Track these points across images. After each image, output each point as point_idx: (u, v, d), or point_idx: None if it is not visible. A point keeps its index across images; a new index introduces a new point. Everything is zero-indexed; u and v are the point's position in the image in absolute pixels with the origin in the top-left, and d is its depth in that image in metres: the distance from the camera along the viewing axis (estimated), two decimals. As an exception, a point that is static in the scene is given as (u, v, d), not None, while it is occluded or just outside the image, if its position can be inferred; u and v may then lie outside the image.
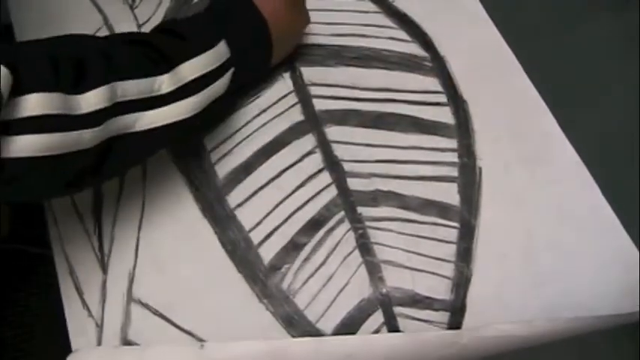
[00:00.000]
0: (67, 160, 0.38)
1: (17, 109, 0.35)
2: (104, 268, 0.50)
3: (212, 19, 0.51)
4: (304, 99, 0.59)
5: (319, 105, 0.59)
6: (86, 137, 0.38)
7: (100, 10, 0.64)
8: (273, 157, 0.55)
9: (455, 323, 0.49)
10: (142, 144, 0.44)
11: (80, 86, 0.38)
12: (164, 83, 0.44)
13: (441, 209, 0.54)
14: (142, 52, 0.44)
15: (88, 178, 0.42)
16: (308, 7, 0.58)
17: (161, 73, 0.44)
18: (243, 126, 0.57)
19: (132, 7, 0.64)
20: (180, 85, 0.44)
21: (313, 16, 0.59)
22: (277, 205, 0.53)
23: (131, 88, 0.41)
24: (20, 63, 0.36)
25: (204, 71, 0.46)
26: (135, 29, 0.63)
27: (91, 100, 0.39)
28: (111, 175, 0.47)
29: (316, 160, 0.56)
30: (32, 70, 0.37)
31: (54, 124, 0.37)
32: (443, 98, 0.60)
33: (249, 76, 0.55)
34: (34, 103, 0.36)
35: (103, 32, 0.62)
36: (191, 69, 0.45)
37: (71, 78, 0.38)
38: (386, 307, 0.49)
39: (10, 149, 0.35)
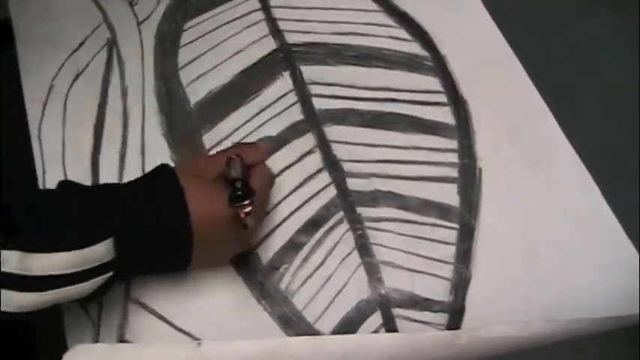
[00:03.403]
0: None
1: None
2: (102, 267, 0.49)
3: (119, 201, 0.41)
4: (304, 98, 0.59)
5: (319, 104, 0.59)
6: None
7: (100, 7, 0.63)
8: (273, 157, 0.55)
9: (454, 325, 0.49)
10: None
11: None
12: (7, 262, 0.34)
13: (440, 210, 0.54)
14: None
15: None
16: (306, 4, 0.57)
17: (8, 248, 0.35)
18: (242, 125, 0.57)
19: (131, 4, 0.64)
20: (23, 274, 0.35)
21: (314, 14, 0.59)
22: (276, 205, 0.53)
23: None
24: None
25: (61, 272, 0.36)
26: (134, 26, 0.62)
27: None
28: None
29: (315, 160, 0.55)
30: None
31: None
32: (443, 98, 0.60)
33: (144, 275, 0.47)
34: None
35: (103, 29, 0.62)
36: (44, 265, 0.35)
37: None
38: (385, 308, 0.49)
39: None
